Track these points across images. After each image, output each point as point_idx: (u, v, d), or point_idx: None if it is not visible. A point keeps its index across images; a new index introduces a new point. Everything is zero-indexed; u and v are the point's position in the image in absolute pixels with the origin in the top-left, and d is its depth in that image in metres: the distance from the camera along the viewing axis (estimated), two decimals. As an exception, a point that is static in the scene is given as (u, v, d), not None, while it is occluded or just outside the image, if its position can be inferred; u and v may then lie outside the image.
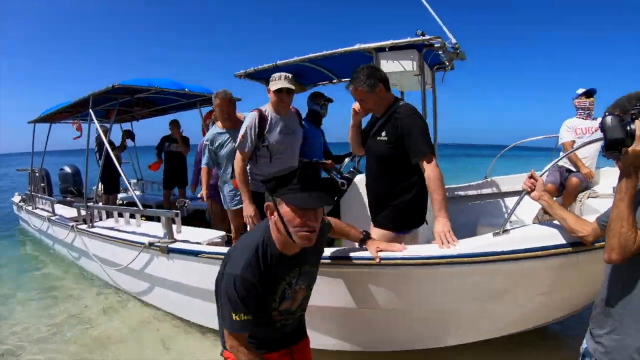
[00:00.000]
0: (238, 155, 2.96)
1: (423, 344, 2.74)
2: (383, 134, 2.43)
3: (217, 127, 3.69)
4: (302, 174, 1.51)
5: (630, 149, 1.22)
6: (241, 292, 1.52)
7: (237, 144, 2.96)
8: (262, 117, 2.93)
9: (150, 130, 6.63)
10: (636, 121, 1.20)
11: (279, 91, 2.88)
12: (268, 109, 2.99)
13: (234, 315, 1.53)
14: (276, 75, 2.91)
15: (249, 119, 2.93)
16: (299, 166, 1.56)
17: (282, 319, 1.74)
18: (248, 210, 2.92)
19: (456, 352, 2.72)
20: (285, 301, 1.70)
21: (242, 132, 2.92)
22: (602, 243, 1.87)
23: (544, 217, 3.51)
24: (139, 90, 4.64)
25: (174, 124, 6.16)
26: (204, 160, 3.77)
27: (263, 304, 1.62)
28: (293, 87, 2.93)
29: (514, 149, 4.76)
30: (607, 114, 1.26)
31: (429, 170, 2.26)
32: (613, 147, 1.24)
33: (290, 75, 2.92)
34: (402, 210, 2.45)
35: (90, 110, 4.45)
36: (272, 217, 1.56)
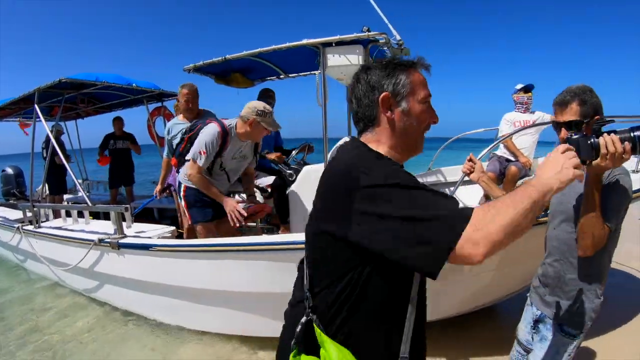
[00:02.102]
0: (195, 168, 2.84)
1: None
2: None
3: (177, 119, 3.79)
4: None
5: (594, 163, 1.33)
6: None
7: (195, 156, 2.83)
8: (224, 137, 2.85)
9: (96, 130, 6.46)
10: (600, 139, 1.30)
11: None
12: (233, 129, 2.90)
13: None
14: (268, 111, 2.84)
15: (210, 135, 2.81)
16: None
17: None
18: (230, 204, 2.81)
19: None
20: None
21: (202, 147, 2.80)
22: (542, 219, 2.06)
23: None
24: (87, 85, 4.48)
25: (117, 121, 6.10)
26: (165, 152, 3.85)
27: None
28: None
29: (458, 140, 5.00)
30: (573, 134, 1.35)
31: None
32: (583, 163, 1.35)
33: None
34: None
35: (36, 106, 4.27)
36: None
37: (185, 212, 3.10)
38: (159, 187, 4.00)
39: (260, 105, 2.86)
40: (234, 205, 2.79)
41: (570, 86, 1.57)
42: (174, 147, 3.63)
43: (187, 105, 3.64)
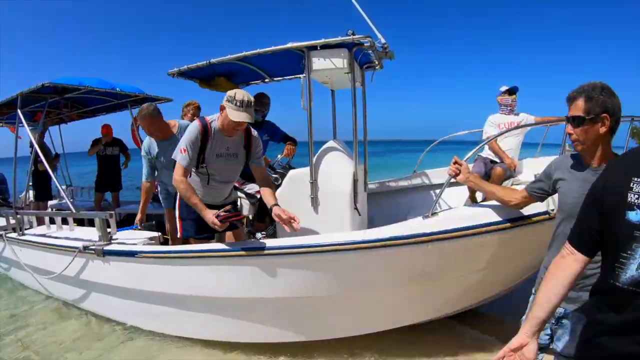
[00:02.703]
0: (179, 170, 2.60)
1: (360, 330, 2.87)
2: None
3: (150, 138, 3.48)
4: None
5: None
6: None
7: (176, 156, 2.63)
8: (205, 132, 2.62)
9: (80, 135, 6.43)
10: None
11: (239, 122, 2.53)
12: (215, 123, 2.65)
13: None
14: (239, 98, 2.49)
15: (190, 132, 2.60)
16: None
17: None
18: (209, 218, 2.55)
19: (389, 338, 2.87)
20: None
21: (182, 145, 2.60)
22: (538, 218, 2.12)
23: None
24: (70, 89, 4.42)
25: (106, 128, 6.07)
26: (144, 174, 3.46)
27: None
28: (253, 119, 2.60)
29: (442, 143, 5.03)
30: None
31: None
32: None
33: (252, 101, 2.59)
34: None
35: (19, 111, 4.21)
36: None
37: (177, 222, 2.93)
38: (139, 215, 3.67)
39: (234, 91, 2.55)
40: (212, 220, 2.54)
41: (586, 82, 1.57)
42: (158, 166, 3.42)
43: (151, 134, 3.36)
